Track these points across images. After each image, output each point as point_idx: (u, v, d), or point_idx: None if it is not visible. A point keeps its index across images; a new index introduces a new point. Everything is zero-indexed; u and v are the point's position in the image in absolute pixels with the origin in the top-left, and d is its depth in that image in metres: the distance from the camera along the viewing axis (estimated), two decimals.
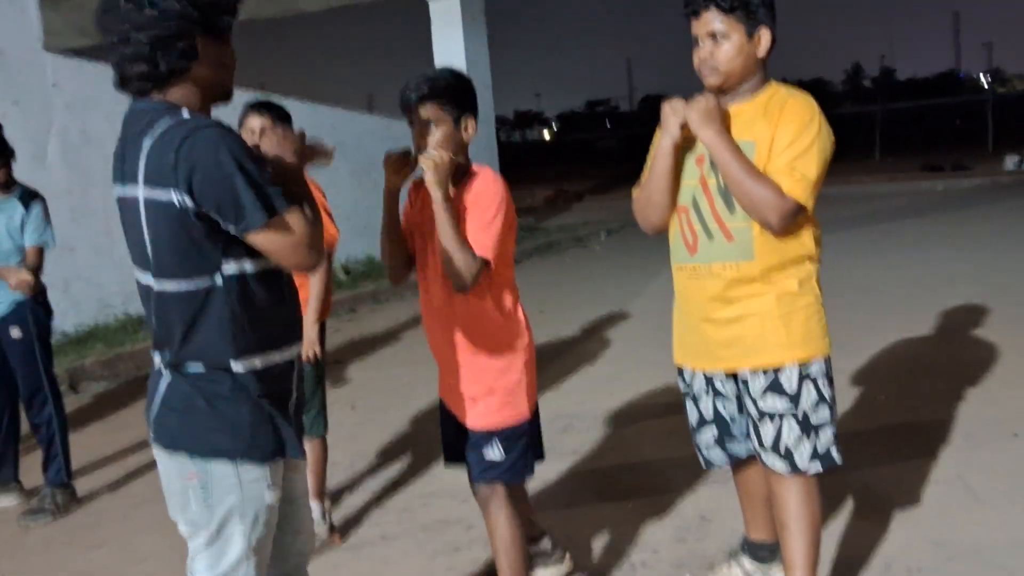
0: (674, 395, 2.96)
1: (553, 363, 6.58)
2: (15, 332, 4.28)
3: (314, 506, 3.69)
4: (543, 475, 4.25)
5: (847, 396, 5.14)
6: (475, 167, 2.77)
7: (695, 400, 2.89)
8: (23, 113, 7.82)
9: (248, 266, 1.99)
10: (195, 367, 2.01)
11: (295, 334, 2.14)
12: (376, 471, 4.60)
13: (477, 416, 2.74)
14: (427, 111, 2.64)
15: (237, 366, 2.00)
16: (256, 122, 3.51)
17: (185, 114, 1.95)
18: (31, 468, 4.67)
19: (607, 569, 3.29)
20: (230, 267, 1.97)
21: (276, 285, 2.07)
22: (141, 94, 2.00)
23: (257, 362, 2.02)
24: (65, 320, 7.96)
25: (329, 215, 3.86)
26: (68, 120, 8.47)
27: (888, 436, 4.49)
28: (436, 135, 2.65)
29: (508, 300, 2.77)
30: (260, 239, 1.93)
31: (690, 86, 2.82)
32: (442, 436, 2.92)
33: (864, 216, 15.86)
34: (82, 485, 4.63)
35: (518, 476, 2.78)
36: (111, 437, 5.60)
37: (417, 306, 2.89)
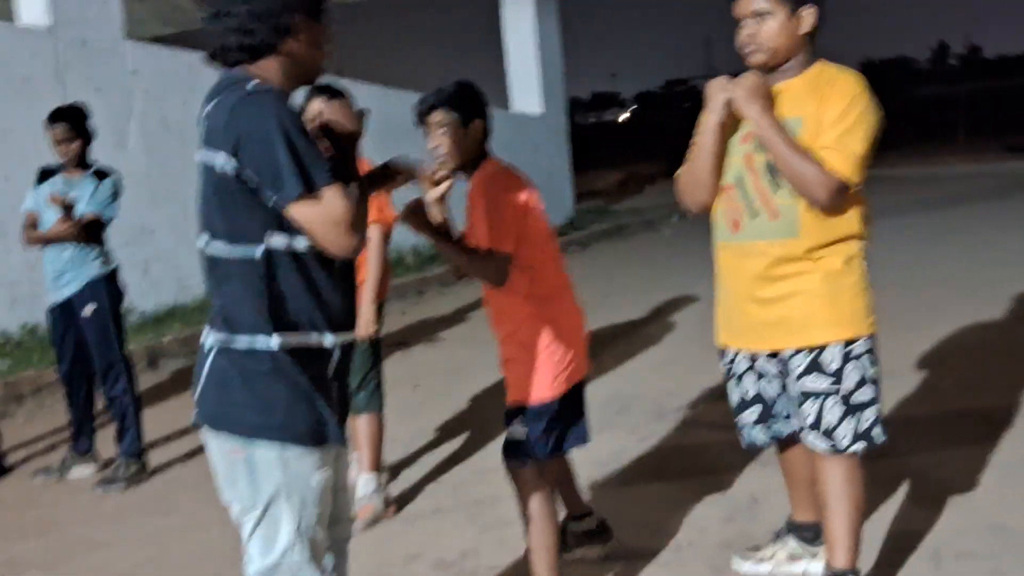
0: None
1: (615, 345, 6.60)
2: (89, 309, 4.49)
3: (370, 478, 3.81)
4: (598, 453, 4.29)
5: (912, 379, 5.06)
6: (487, 162, 2.91)
7: (738, 380, 2.89)
8: (104, 100, 8.09)
9: (293, 243, 1.97)
10: (236, 342, 2.01)
11: (339, 322, 2.09)
12: (434, 447, 4.70)
13: (508, 390, 2.86)
14: (435, 117, 2.85)
15: (273, 342, 1.99)
16: (319, 106, 3.56)
17: (253, 83, 1.96)
18: (106, 440, 4.89)
19: (655, 547, 3.32)
20: (274, 240, 1.97)
21: (324, 269, 2.03)
22: (232, 65, 2.03)
23: (293, 340, 2.01)
24: (145, 300, 8.27)
25: (388, 198, 3.94)
26: (147, 107, 8.76)
27: (951, 421, 4.41)
28: (445, 138, 2.85)
29: (534, 286, 2.83)
30: (296, 211, 1.92)
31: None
32: None
33: (944, 198, 15.45)
34: (157, 457, 4.84)
35: (540, 454, 2.82)
36: (187, 412, 5.73)
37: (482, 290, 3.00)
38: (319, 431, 2.05)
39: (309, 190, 1.90)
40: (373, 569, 3.34)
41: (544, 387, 2.81)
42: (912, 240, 10.61)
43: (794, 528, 3.03)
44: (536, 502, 2.81)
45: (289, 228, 1.96)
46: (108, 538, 3.95)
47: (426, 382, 6.09)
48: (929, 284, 7.82)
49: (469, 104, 2.89)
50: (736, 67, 2.83)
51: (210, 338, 2.08)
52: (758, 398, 2.85)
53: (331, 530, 2.22)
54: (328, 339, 2.06)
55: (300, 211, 1.91)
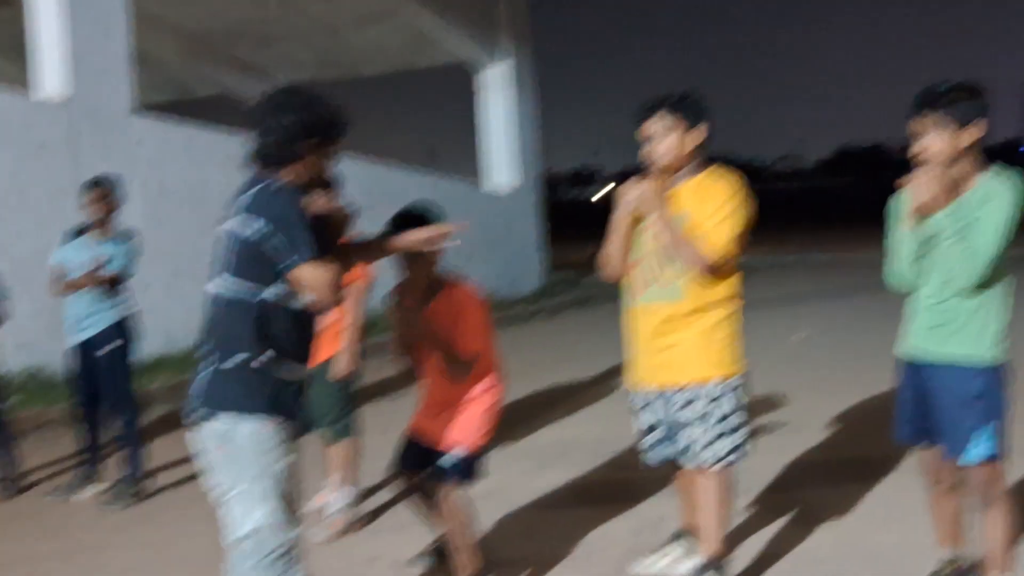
0: None
1: (564, 400, 7.40)
2: (105, 348, 5.21)
3: (341, 495, 4.53)
4: (537, 485, 5.06)
5: (816, 433, 5.87)
6: (449, 282, 3.64)
7: (641, 412, 3.65)
8: (112, 167, 8.81)
9: (281, 296, 2.77)
10: (227, 360, 2.75)
11: (295, 356, 2.86)
12: (396, 479, 5.39)
13: (444, 437, 3.62)
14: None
15: (257, 362, 2.76)
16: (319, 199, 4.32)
17: (277, 183, 2.80)
18: (111, 467, 5.55)
19: (573, 552, 4.06)
20: (269, 292, 2.75)
21: (288, 317, 2.80)
22: (263, 167, 2.86)
23: (272, 364, 2.79)
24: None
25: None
26: (149, 174, 9.56)
27: (839, 465, 5.22)
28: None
29: (484, 366, 3.60)
30: (301, 272, 2.71)
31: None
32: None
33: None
34: (149, 484, 5.47)
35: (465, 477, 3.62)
36: (173, 449, 6.42)
37: None
38: (288, 410, 2.83)
39: (310, 259, 2.72)
40: (341, 569, 4.04)
41: (481, 438, 3.61)
42: (860, 319, 11.53)
43: (685, 534, 3.77)
44: (461, 502, 3.60)
45: (279, 286, 2.75)
46: (111, 542, 4.62)
47: (393, 428, 6.76)
48: (857, 358, 8.67)
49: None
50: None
51: (208, 357, 2.82)
52: (656, 426, 3.61)
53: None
54: (287, 367, 2.84)
55: (305, 272, 2.73)
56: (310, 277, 2.74)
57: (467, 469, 3.61)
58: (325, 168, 2.95)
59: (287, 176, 2.85)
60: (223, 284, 2.81)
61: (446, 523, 3.65)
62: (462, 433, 3.60)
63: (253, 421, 2.77)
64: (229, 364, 2.78)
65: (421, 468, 3.70)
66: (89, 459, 5.44)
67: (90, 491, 5.38)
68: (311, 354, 2.96)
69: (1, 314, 5.52)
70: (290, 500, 2.84)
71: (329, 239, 2.91)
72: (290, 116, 2.81)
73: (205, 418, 2.81)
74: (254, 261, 2.74)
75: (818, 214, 38.77)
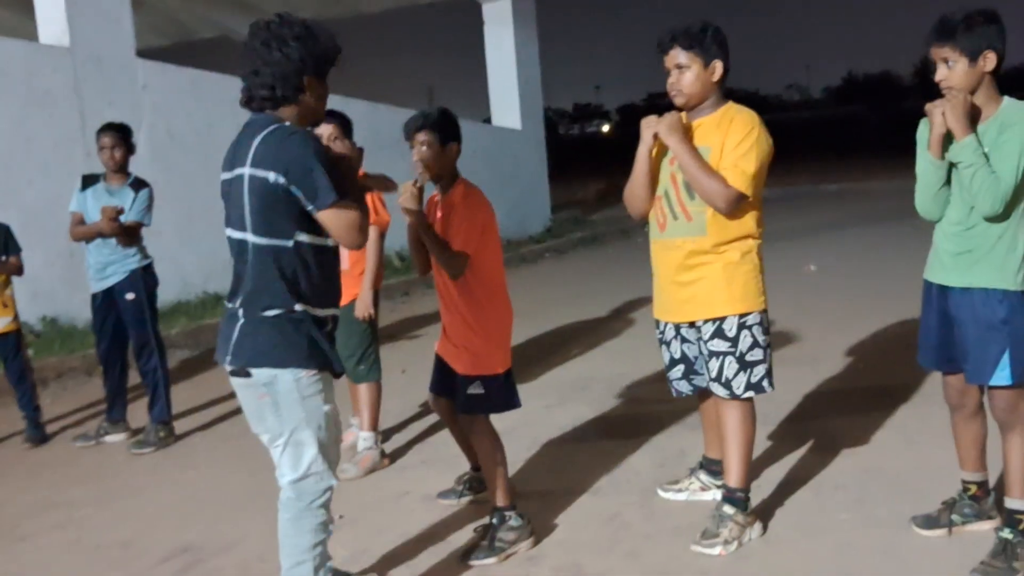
0: None
1: (581, 337, 7.44)
2: (129, 296, 5.25)
3: (369, 436, 4.60)
4: (560, 420, 5.13)
5: (834, 365, 5.92)
6: (460, 180, 3.64)
7: (667, 345, 3.69)
8: (117, 113, 8.80)
9: (311, 242, 2.73)
10: (265, 310, 2.71)
11: (324, 300, 2.83)
12: (419, 418, 5.47)
13: (462, 364, 3.61)
14: (420, 136, 3.55)
15: (292, 312, 2.72)
16: (324, 129, 4.30)
17: (286, 125, 2.71)
18: (137, 412, 5.65)
19: (598, 484, 4.15)
20: (300, 238, 2.71)
21: (327, 260, 2.80)
22: (260, 110, 2.75)
23: (302, 307, 2.74)
24: None
25: (383, 203, 4.71)
26: (155, 119, 9.50)
27: (857, 394, 5.27)
28: (426, 153, 3.54)
29: (478, 283, 3.57)
30: (325, 216, 2.67)
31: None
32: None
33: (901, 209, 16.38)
34: (177, 428, 5.56)
35: (492, 407, 3.61)
36: (197, 392, 6.57)
37: None
38: (327, 365, 2.80)
39: (336, 201, 2.67)
40: (373, 503, 4.13)
41: (496, 364, 3.58)
42: (872, 249, 11.55)
43: (706, 464, 3.83)
44: (489, 445, 3.60)
45: (308, 230, 2.71)
46: (145, 485, 4.71)
47: (412, 368, 6.85)
48: (871, 288, 8.69)
49: (448, 129, 3.61)
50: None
51: (240, 308, 2.77)
52: (682, 358, 3.65)
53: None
54: (319, 311, 2.81)
55: (329, 216, 2.69)
56: (335, 221, 2.69)
57: (486, 400, 3.57)
58: (321, 108, 2.84)
59: (289, 114, 2.74)
60: (250, 233, 2.73)
61: (477, 454, 3.68)
62: (475, 363, 3.56)
63: (292, 372, 2.74)
64: (265, 315, 2.73)
65: (449, 394, 3.71)
66: (115, 404, 5.52)
67: (116, 437, 5.46)
68: (339, 297, 2.96)
69: (17, 267, 5.53)
70: (330, 449, 2.86)
71: (346, 178, 2.83)
72: (285, 49, 2.66)
73: (244, 371, 2.78)
74: (279, 208, 2.68)
75: (827, 144, 38.39)
